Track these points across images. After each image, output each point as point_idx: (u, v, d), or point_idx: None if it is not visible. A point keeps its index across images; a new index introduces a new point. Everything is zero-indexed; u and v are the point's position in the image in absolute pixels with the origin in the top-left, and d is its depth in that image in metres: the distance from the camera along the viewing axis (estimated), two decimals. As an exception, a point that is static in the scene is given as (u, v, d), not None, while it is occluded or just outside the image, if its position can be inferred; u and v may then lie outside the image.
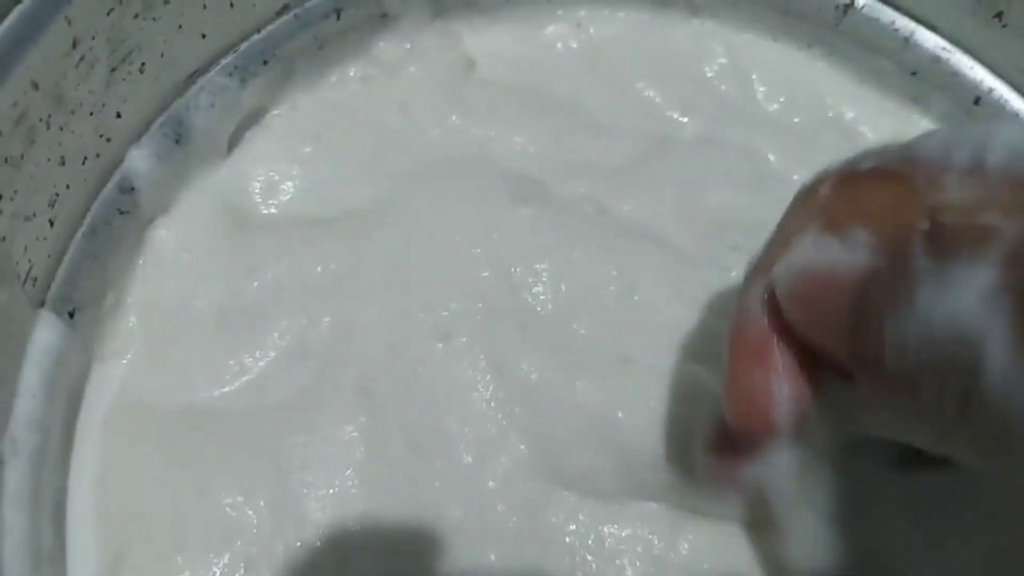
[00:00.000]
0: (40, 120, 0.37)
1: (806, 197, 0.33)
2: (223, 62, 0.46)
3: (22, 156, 0.36)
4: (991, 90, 0.52)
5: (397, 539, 0.37)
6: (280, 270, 0.43)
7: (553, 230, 0.44)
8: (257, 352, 0.41)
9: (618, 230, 0.45)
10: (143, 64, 0.42)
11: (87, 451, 0.39)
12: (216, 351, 0.41)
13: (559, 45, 0.55)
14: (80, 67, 0.38)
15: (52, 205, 0.39)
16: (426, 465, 0.39)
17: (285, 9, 0.48)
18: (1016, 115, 0.51)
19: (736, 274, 0.44)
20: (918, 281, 0.25)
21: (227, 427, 0.40)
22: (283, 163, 0.47)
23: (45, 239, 0.39)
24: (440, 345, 0.41)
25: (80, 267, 0.41)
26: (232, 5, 0.45)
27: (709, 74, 0.55)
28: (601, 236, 0.45)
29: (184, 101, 0.45)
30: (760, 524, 0.39)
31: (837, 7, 0.53)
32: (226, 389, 0.41)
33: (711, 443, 0.37)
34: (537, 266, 0.43)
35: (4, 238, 0.36)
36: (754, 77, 0.55)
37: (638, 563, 0.38)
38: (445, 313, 0.42)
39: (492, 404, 0.40)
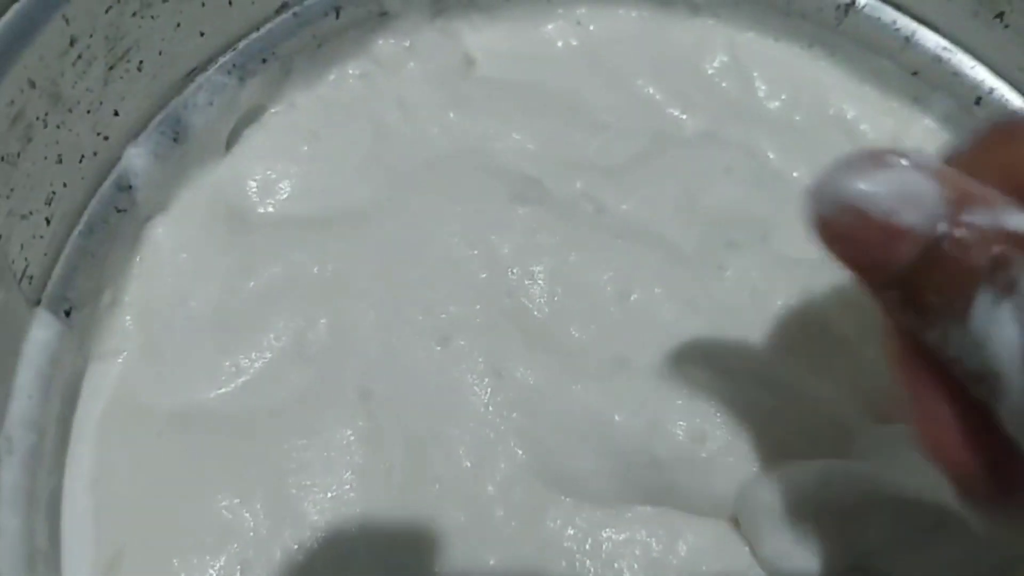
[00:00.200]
0: (37, 118, 0.37)
1: None
2: (221, 60, 0.46)
3: (19, 154, 0.36)
4: (992, 90, 0.52)
5: (396, 543, 0.37)
6: (277, 270, 0.43)
7: (550, 230, 0.44)
8: (253, 353, 0.41)
9: (616, 230, 0.45)
10: (141, 62, 0.42)
11: (82, 451, 0.39)
12: (212, 352, 0.41)
13: (559, 43, 0.55)
14: (77, 65, 0.38)
15: (49, 203, 0.39)
16: (425, 469, 0.39)
17: (284, 7, 0.48)
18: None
19: (731, 273, 0.44)
20: None
21: (223, 429, 0.39)
22: (281, 162, 0.47)
23: (42, 237, 0.39)
24: (439, 348, 0.41)
25: (77, 266, 0.41)
26: (231, 3, 0.45)
27: (710, 71, 0.55)
28: (598, 236, 0.44)
29: (182, 99, 0.45)
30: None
31: (838, 7, 0.53)
32: (222, 390, 0.41)
33: None
34: (534, 268, 0.43)
35: (1, 236, 0.36)
36: (755, 75, 0.55)
37: (636, 566, 0.38)
38: (443, 315, 0.42)
39: (490, 408, 0.40)
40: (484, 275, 0.43)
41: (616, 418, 0.39)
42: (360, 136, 0.48)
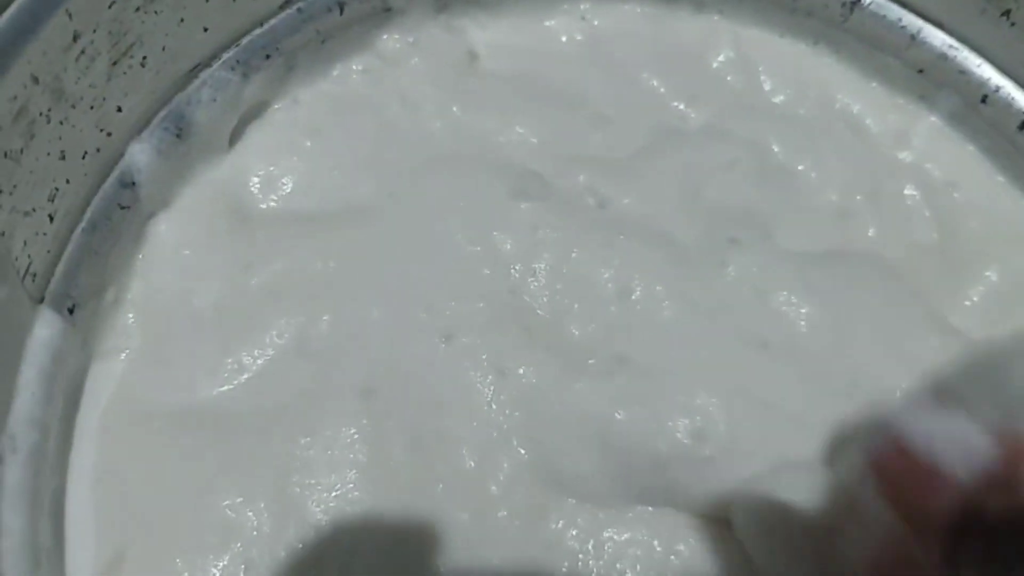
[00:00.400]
0: (40, 114, 0.37)
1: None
2: (225, 56, 0.46)
3: (22, 151, 0.36)
4: (998, 88, 0.51)
5: (400, 543, 0.37)
6: (279, 267, 0.43)
7: (552, 226, 0.44)
8: (256, 351, 0.41)
9: (618, 225, 0.45)
10: (144, 58, 0.42)
11: (86, 450, 0.39)
12: (214, 349, 0.41)
13: (563, 37, 0.55)
14: (81, 61, 0.38)
15: (52, 200, 0.39)
16: (429, 469, 0.39)
17: (288, 3, 0.47)
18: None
19: (733, 269, 0.44)
20: None
21: (226, 427, 0.39)
22: (284, 158, 0.47)
23: (45, 234, 0.39)
24: (442, 345, 0.41)
25: (80, 262, 0.40)
26: (234, -1, 0.45)
27: (715, 66, 0.55)
28: (600, 232, 0.44)
29: (185, 95, 0.44)
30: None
31: (844, 4, 0.53)
32: (224, 388, 0.40)
33: None
34: (536, 265, 0.43)
35: (3, 233, 0.35)
36: (760, 70, 0.54)
37: (638, 567, 0.38)
38: (446, 313, 0.42)
39: (493, 407, 0.40)
40: (487, 272, 0.43)
41: (617, 417, 0.39)
42: (363, 132, 0.48)
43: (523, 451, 0.39)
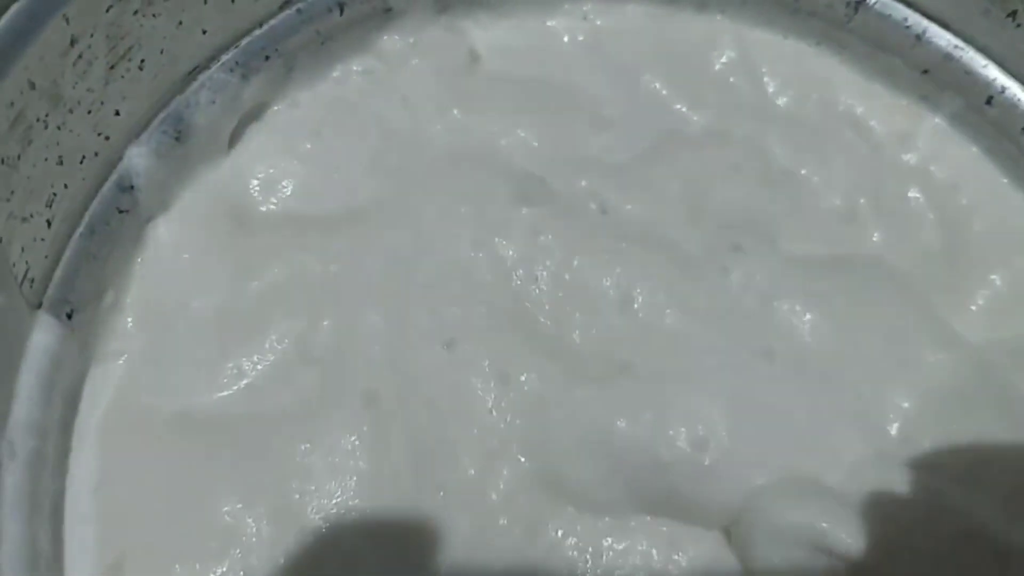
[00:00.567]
0: (37, 119, 0.37)
1: None
2: (224, 58, 0.45)
3: (19, 156, 0.36)
4: (1004, 89, 0.51)
5: (401, 550, 0.37)
6: (279, 271, 0.43)
7: (554, 232, 0.44)
8: (255, 356, 0.41)
9: (620, 232, 0.45)
10: (143, 61, 0.41)
11: (85, 455, 0.39)
12: (214, 354, 0.41)
13: (565, 37, 0.54)
14: (78, 65, 0.38)
15: (50, 205, 0.38)
16: (429, 476, 0.39)
17: (287, 4, 0.47)
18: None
19: (736, 277, 0.44)
20: None
21: (226, 433, 0.39)
22: (283, 160, 0.46)
23: (43, 240, 0.38)
24: (444, 352, 0.41)
25: (78, 267, 0.40)
26: (233, 0, 0.44)
27: (717, 68, 0.54)
28: (602, 239, 0.44)
29: (184, 98, 0.44)
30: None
31: (848, 4, 0.52)
32: (224, 393, 0.40)
33: None
34: (538, 272, 0.43)
35: (1, 239, 0.35)
36: (764, 71, 0.54)
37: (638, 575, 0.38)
38: (448, 319, 0.42)
39: (494, 414, 0.40)
40: (489, 279, 0.43)
41: (618, 425, 0.39)
42: (363, 134, 0.48)
43: (523, 459, 0.39)
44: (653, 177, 0.48)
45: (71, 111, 0.38)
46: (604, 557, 0.38)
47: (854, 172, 0.50)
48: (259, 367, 0.41)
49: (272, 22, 0.47)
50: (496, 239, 0.43)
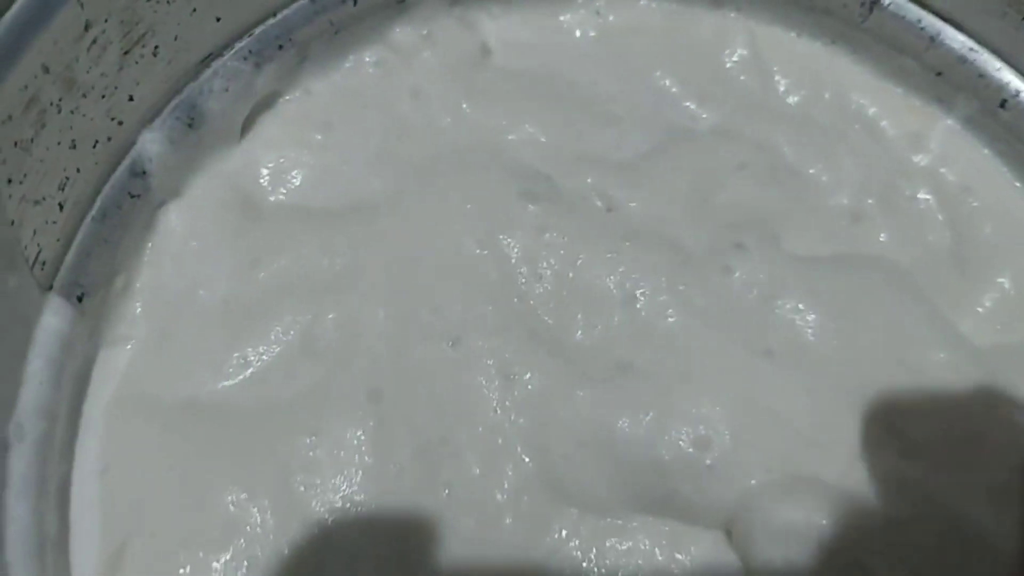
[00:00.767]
0: (51, 104, 0.37)
1: None
2: (238, 46, 0.46)
3: (32, 140, 0.36)
4: (1018, 92, 0.51)
5: (404, 546, 0.37)
6: (287, 262, 0.43)
7: (559, 230, 0.44)
8: (261, 346, 0.41)
9: (624, 230, 0.45)
10: (156, 47, 0.41)
11: (92, 439, 0.39)
12: (220, 343, 0.41)
13: (576, 32, 0.54)
14: (92, 50, 0.38)
15: (62, 189, 0.39)
16: (435, 474, 0.39)
17: (302, -7, 0.47)
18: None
19: (739, 275, 0.44)
20: None
21: (231, 422, 0.39)
22: (294, 150, 0.47)
23: (55, 223, 0.39)
24: (449, 349, 0.41)
25: (90, 251, 0.41)
26: (247, -12, 0.45)
27: (728, 65, 0.54)
28: (607, 237, 0.44)
29: (198, 85, 0.44)
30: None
31: (863, 4, 0.52)
32: (229, 383, 0.41)
33: None
34: (542, 270, 0.43)
35: (13, 222, 0.35)
36: (775, 69, 0.54)
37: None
38: (453, 316, 0.42)
39: (499, 412, 0.40)
40: (494, 276, 0.43)
41: (619, 425, 0.39)
42: (374, 127, 0.48)
43: (527, 459, 0.39)
44: (660, 174, 0.48)
45: (84, 96, 0.38)
46: (607, 558, 0.38)
47: (863, 172, 0.49)
48: (264, 358, 0.41)
49: (286, 11, 0.47)
50: (501, 236, 0.44)
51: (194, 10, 0.42)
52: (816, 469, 0.39)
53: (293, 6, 0.47)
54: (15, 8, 0.35)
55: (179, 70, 0.43)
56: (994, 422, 0.41)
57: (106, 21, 0.38)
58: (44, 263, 0.38)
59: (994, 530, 0.38)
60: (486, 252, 0.43)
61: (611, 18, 0.55)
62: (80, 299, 0.40)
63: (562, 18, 0.54)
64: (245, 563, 0.36)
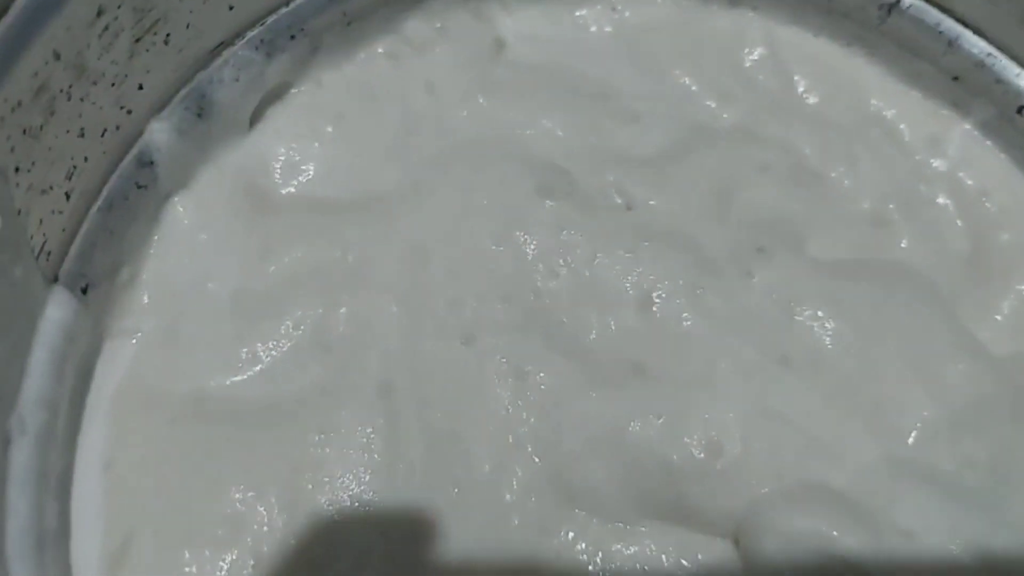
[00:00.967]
0: (61, 91, 0.36)
1: None
2: (249, 35, 0.45)
3: (41, 127, 0.35)
4: (1036, 100, 0.50)
5: (413, 544, 0.37)
6: (297, 255, 0.43)
7: (577, 227, 0.44)
8: (271, 341, 0.41)
9: (643, 230, 0.44)
10: (168, 35, 0.41)
11: (95, 433, 0.39)
12: (229, 337, 0.41)
13: (593, 28, 0.54)
14: (104, 37, 0.37)
15: (69, 178, 0.38)
16: (444, 472, 0.38)
17: (315, -18, 0.46)
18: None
19: (758, 280, 0.43)
20: None
21: (239, 418, 0.39)
22: (305, 142, 0.46)
23: (61, 212, 0.38)
24: (462, 346, 0.40)
25: (95, 242, 0.40)
26: (260, -23, 0.44)
27: (747, 64, 0.53)
28: (624, 236, 0.44)
29: (208, 74, 0.44)
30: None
31: (881, 6, 0.51)
32: (237, 378, 0.40)
33: None
34: (559, 268, 0.42)
35: (20, 211, 0.35)
36: (793, 69, 0.53)
37: (646, 581, 0.37)
38: (467, 313, 0.41)
39: (510, 411, 0.39)
40: (509, 272, 0.42)
41: (630, 427, 0.39)
42: (387, 119, 0.47)
43: (537, 459, 0.39)
44: (680, 173, 0.47)
45: (95, 83, 0.38)
46: (613, 562, 0.38)
47: (883, 176, 0.49)
48: (274, 353, 0.40)
49: (299, 1, 0.46)
50: (518, 232, 0.43)
51: (206, -2, 0.42)
52: (828, 478, 0.39)
53: (306, -4, 0.46)
54: (26, -7, 0.35)
55: (190, 58, 0.43)
56: None
57: (119, 7, 0.37)
58: (49, 253, 0.38)
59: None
60: (502, 248, 0.43)
61: (627, 14, 0.54)
62: (85, 290, 0.39)
63: (578, 13, 0.53)
64: (251, 561, 0.36)
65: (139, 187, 0.41)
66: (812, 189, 0.48)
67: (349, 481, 0.38)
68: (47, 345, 0.37)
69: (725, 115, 0.51)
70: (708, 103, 0.51)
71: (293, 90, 0.47)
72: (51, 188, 0.37)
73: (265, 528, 0.36)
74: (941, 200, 0.49)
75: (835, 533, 0.37)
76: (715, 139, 0.49)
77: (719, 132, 0.50)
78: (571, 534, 0.38)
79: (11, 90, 0.33)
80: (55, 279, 0.38)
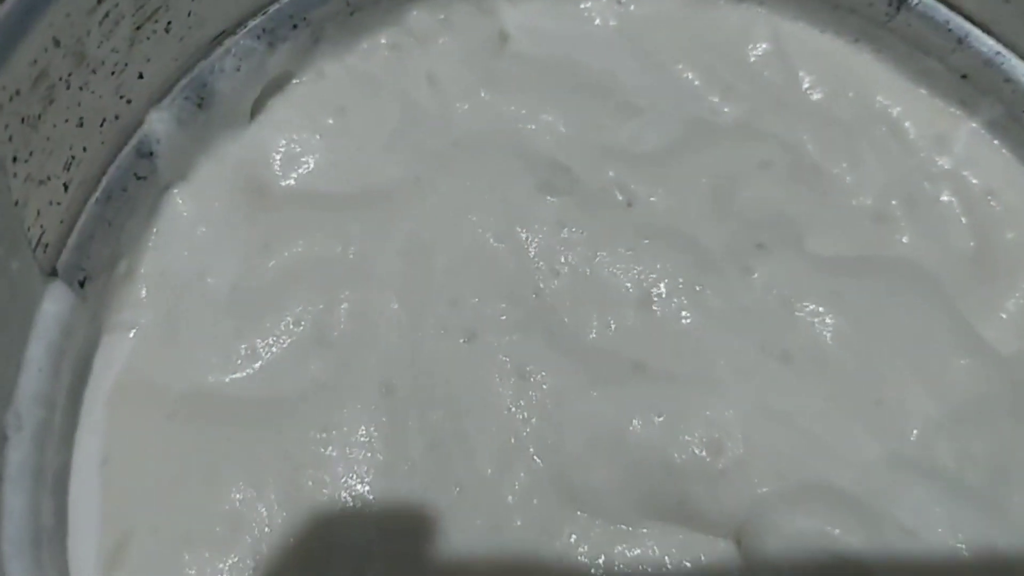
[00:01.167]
0: (60, 79, 0.35)
1: None
2: (251, 24, 0.44)
3: (39, 116, 0.35)
4: (1045, 99, 0.50)
5: (414, 544, 0.36)
6: (298, 249, 0.42)
7: (578, 225, 0.43)
8: (271, 337, 0.40)
9: (644, 227, 0.44)
10: (169, 23, 0.40)
11: (92, 429, 0.38)
12: (228, 333, 0.40)
13: (597, 21, 0.53)
14: (104, 24, 0.37)
15: (68, 168, 0.37)
16: (446, 472, 0.38)
17: (318, -29, 0.46)
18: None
19: (758, 276, 0.43)
20: None
21: (238, 415, 0.38)
22: (305, 134, 0.45)
23: (59, 204, 0.37)
24: (464, 344, 0.40)
25: (93, 234, 0.39)
26: (262, -35, 0.43)
27: (752, 59, 0.53)
28: (625, 234, 0.43)
29: (209, 63, 0.43)
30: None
31: (890, 3, 0.51)
32: (236, 375, 0.39)
33: None
34: (560, 266, 0.42)
35: (17, 202, 0.34)
36: (798, 65, 0.53)
37: (648, 583, 0.37)
38: (469, 310, 0.41)
39: (512, 411, 0.39)
40: (511, 270, 0.42)
41: (632, 426, 0.39)
42: (388, 111, 0.47)
43: (539, 460, 0.38)
44: (681, 169, 0.47)
45: (94, 72, 0.37)
46: (615, 563, 0.37)
47: (887, 173, 0.49)
48: (274, 349, 0.40)
49: (302, -11, 0.46)
50: (519, 229, 0.43)
51: (208, -14, 0.41)
52: (830, 476, 0.39)
53: (310, -16, 0.46)
54: (26, -22, 0.34)
55: (190, 47, 0.42)
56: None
57: (120, -6, 0.37)
58: (47, 245, 0.37)
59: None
60: (503, 245, 0.42)
61: (632, 8, 0.53)
62: (82, 283, 0.39)
63: (583, 6, 0.53)
64: (251, 561, 0.35)
65: (138, 178, 0.41)
66: (814, 185, 0.47)
67: (350, 480, 0.37)
68: (44, 340, 0.36)
69: (727, 110, 0.50)
70: (712, 98, 0.51)
71: (294, 80, 0.47)
72: (49, 179, 0.36)
73: (266, 528, 0.36)
74: (945, 198, 0.49)
75: (837, 532, 0.37)
76: (717, 135, 0.48)
77: (722, 128, 0.49)
78: (573, 536, 0.38)
79: (9, 78, 0.32)
80: (53, 272, 0.37)
